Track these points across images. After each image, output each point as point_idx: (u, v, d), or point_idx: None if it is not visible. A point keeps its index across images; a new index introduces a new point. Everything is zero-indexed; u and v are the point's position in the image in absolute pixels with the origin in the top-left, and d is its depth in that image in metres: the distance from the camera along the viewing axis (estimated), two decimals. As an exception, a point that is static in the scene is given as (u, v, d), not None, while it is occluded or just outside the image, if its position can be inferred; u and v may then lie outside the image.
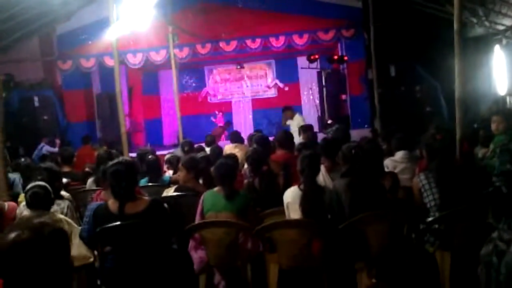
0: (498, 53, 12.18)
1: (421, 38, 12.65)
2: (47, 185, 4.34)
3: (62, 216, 4.31)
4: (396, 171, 5.46)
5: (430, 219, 4.16)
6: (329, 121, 13.57)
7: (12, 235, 1.74)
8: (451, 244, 4.05)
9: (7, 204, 4.62)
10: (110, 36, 7.92)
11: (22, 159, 7.41)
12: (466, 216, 4.04)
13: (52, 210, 4.37)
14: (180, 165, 5.52)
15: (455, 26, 5.39)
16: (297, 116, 11.34)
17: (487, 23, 11.23)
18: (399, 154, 5.81)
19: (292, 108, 12.01)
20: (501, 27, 11.44)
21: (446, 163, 4.39)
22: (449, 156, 4.61)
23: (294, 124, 10.80)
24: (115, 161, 3.96)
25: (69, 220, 4.32)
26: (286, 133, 6.72)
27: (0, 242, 1.75)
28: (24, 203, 4.49)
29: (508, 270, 1.34)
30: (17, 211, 4.58)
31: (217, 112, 17.47)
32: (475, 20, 11.13)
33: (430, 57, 12.66)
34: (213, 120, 17.33)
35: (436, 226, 4.15)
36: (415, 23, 12.48)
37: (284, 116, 11.59)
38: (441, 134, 4.72)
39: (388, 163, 5.69)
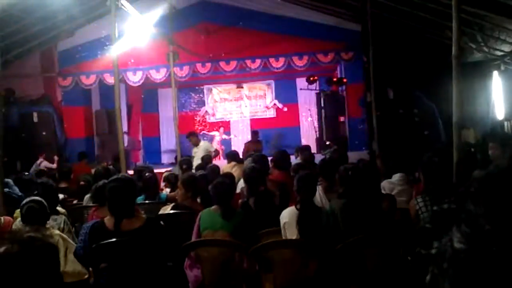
0: (496, 79, 12.26)
1: (420, 62, 12.72)
2: (42, 200, 4.33)
3: (58, 232, 4.30)
4: (393, 193, 5.46)
5: (426, 242, 4.15)
6: (328, 143, 13.61)
7: (2, 248, 1.74)
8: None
9: (3, 219, 4.61)
10: (111, 54, 7.99)
11: (26, 173, 7.41)
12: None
13: (48, 225, 4.36)
14: (179, 183, 5.53)
15: (454, 51, 5.43)
16: (202, 144, 11.37)
17: (485, 49, 11.32)
18: (396, 177, 5.82)
19: (196, 134, 11.95)
20: (499, 53, 11.53)
21: (443, 186, 4.39)
22: (446, 179, 4.62)
23: (199, 151, 10.82)
24: (114, 177, 3.96)
25: (65, 236, 4.30)
26: (282, 153, 6.73)
27: None
28: (20, 218, 4.49)
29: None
30: (13, 226, 4.57)
31: (218, 133, 17.46)
32: (473, 46, 11.23)
33: (429, 81, 12.72)
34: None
35: (433, 251, 4.14)
36: (414, 47, 12.58)
37: (191, 142, 11.50)
38: (438, 157, 4.72)
39: (385, 185, 5.70)
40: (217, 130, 17.04)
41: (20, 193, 6.22)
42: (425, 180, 4.67)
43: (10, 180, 6.56)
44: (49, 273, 1.78)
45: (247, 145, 13.64)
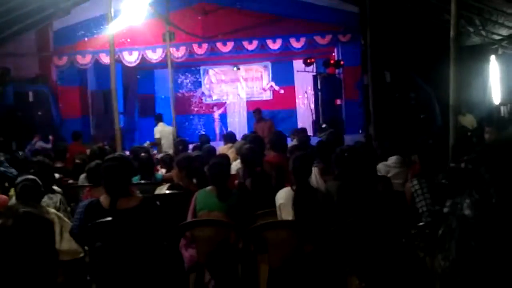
0: (493, 63, 12.24)
1: (417, 46, 12.68)
2: (36, 178, 4.32)
3: (53, 210, 4.29)
4: (388, 175, 5.48)
5: (421, 224, 4.17)
6: (323, 125, 13.59)
7: None
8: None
9: (-2, 197, 4.60)
10: (107, 34, 7.92)
11: (20, 153, 7.38)
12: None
13: (44, 204, 4.36)
14: (174, 163, 5.52)
15: (452, 33, 5.42)
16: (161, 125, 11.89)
17: (483, 33, 11.28)
18: (392, 159, 5.83)
19: (161, 116, 12.46)
20: (497, 37, 11.49)
21: (438, 169, 4.41)
22: (441, 162, 4.63)
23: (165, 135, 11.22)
24: (110, 156, 3.95)
25: (60, 214, 4.31)
26: (279, 135, 6.72)
27: None
28: (15, 196, 4.49)
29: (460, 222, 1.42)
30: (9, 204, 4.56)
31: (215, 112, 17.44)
32: (471, 29, 11.18)
33: (426, 64, 12.70)
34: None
35: (427, 231, 4.16)
36: (412, 30, 12.52)
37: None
38: (433, 140, 4.74)
39: (381, 168, 5.71)
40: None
41: (16, 172, 6.20)
42: (421, 162, 4.69)
43: (4, 160, 6.53)
44: (44, 248, 1.78)
45: (261, 126, 12.41)
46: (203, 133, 14.34)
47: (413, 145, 5.97)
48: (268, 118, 13.35)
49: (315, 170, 4.88)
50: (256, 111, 13.12)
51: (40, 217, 1.80)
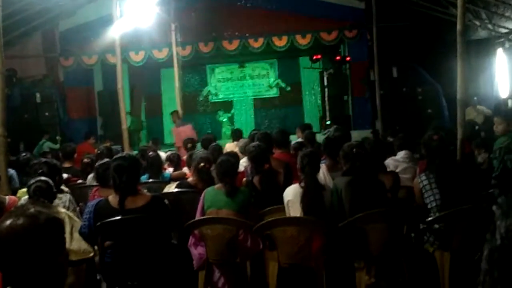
0: (500, 56, 12.18)
1: (424, 40, 12.66)
2: (49, 180, 4.35)
3: (64, 210, 4.31)
4: (397, 170, 5.46)
5: (430, 219, 4.16)
6: (328, 122, 13.57)
7: (8, 221, 1.73)
8: (450, 244, 4.05)
9: (8, 198, 4.62)
10: (113, 33, 7.95)
11: (23, 154, 7.41)
12: (466, 217, 4.04)
13: (54, 204, 4.37)
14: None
15: (458, 27, 5.40)
16: None
17: (490, 26, 11.24)
18: (401, 154, 5.81)
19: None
20: (504, 30, 11.45)
21: (446, 164, 4.39)
22: (449, 156, 4.62)
23: None
24: (119, 155, 3.97)
25: (71, 214, 4.32)
26: (282, 132, 6.72)
27: None
28: (24, 197, 4.51)
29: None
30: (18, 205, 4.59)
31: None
32: (478, 23, 11.14)
33: (432, 59, 12.67)
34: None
35: (436, 226, 4.15)
36: (418, 25, 12.49)
37: None
38: (438, 134, 4.72)
39: (390, 163, 5.69)
40: None
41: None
42: (428, 157, 4.67)
43: (14, 172, 6.55)
44: (55, 247, 1.79)
45: (183, 129, 11.42)
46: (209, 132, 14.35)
47: (420, 140, 5.95)
48: (188, 122, 12.57)
49: (322, 167, 4.87)
50: (174, 114, 12.39)
51: (50, 216, 1.80)
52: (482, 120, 10.37)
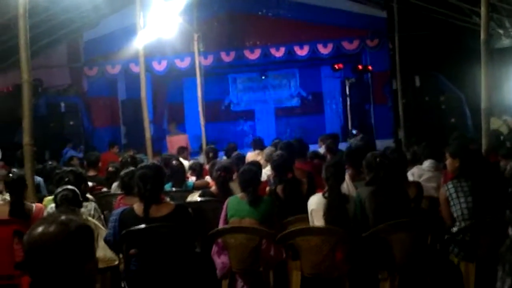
0: (524, 65, 12.04)
1: (446, 49, 12.58)
2: (75, 189, 4.41)
3: (90, 218, 4.37)
4: (422, 179, 5.42)
5: (455, 229, 4.12)
6: (354, 131, 13.53)
7: (40, 228, 1.77)
8: (476, 255, 4.01)
9: (35, 206, 4.69)
10: (136, 43, 8.04)
11: (50, 162, 7.51)
12: (491, 227, 3.99)
13: (79, 212, 4.43)
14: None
15: (482, 36, 5.36)
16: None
17: (514, 35, 11.14)
18: (427, 163, 5.76)
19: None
20: (528, 39, 11.33)
21: (482, 173, 4.33)
22: (484, 164, 4.56)
23: None
24: (143, 164, 4.02)
25: (96, 222, 4.38)
26: (300, 142, 6.74)
27: (28, 236, 1.78)
28: (51, 205, 4.57)
29: None
30: (45, 213, 4.65)
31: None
32: (501, 31, 11.04)
33: (455, 67, 12.58)
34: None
35: (461, 236, 4.11)
36: (440, 33, 12.42)
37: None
38: (473, 144, 4.67)
39: (415, 171, 5.66)
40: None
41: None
42: (461, 165, 4.58)
43: (41, 180, 6.63)
44: (85, 254, 1.82)
45: (177, 139, 12.60)
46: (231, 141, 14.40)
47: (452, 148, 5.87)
48: (183, 132, 13.78)
49: (346, 176, 4.86)
50: (172, 124, 13.60)
51: (81, 224, 1.84)
52: (507, 130, 10.25)
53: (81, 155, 12.02)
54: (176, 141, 11.79)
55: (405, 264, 4.01)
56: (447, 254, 4.22)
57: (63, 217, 1.82)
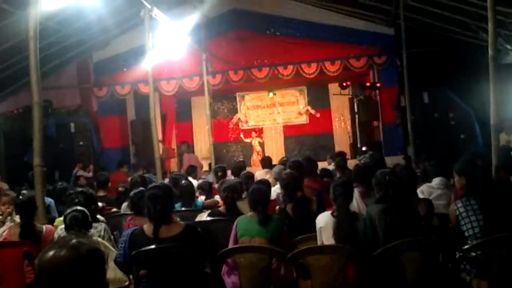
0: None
1: (454, 65, 12.56)
2: (85, 210, 4.42)
3: (100, 240, 4.38)
4: (432, 197, 5.40)
5: (466, 246, 4.09)
6: (364, 148, 13.50)
7: (51, 252, 1.78)
8: (488, 272, 3.97)
9: (45, 227, 4.71)
10: (145, 64, 8.11)
11: (60, 183, 7.54)
12: (504, 244, 3.96)
13: (89, 233, 4.43)
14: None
15: (490, 52, 5.36)
16: None
17: (522, 50, 11.11)
18: (436, 180, 5.73)
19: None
20: (536, 54, 11.30)
21: (490, 190, 4.30)
22: (492, 182, 4.53)
23: None
24: (153, 184, 4.03)
25: (106, 243, 4.38)
26: (309, 160, 6.73)
27: (39, 260, 1.79)
28: (61, 226, 4.58)
29: None
30: (55, 235, 4.66)
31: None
32: (509, 47, 11.03)
33: (463, 83, 12.55)
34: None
35: (473, 254, 4.07)
36: (447, 49, 12.42)
37: None
38: (480, 160, 4.64)
39: (424, 189, 5.63)
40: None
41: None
42: (468, 183, 4.56)
43: (52, 202, 6.64)
44: (96, 278, 1.82)
45: (188, 157, 14.28)
46: (241, 159, 14.43)
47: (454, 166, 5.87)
48: (192, 153, 15.06)
49: (356, 193, 4.84)
50: (184, 144, 14.87)
51: (92, 247, 1.84)
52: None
53: (90, 175, 12.09)
54: (187, 159, 12.09)
55: (416, 283, 3.97)
56: (459, 272, 4.18)
57: (74, 241, 1.83)
